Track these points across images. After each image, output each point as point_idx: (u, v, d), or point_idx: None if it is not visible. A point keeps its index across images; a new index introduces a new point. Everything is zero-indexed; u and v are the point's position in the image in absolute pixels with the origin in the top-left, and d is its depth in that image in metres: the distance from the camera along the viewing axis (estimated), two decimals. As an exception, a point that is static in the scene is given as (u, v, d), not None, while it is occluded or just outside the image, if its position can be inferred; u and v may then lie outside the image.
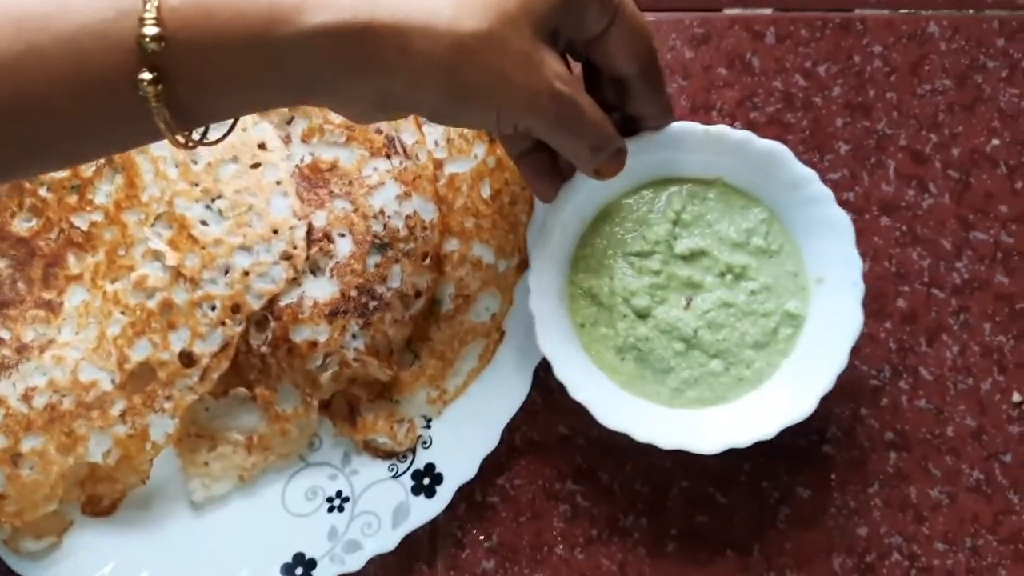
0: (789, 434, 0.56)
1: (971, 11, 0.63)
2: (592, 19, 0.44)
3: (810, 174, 0.52)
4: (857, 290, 0.51)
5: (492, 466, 0.56)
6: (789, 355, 0.53)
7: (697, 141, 0.52)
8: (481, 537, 0.57)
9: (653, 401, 0.53)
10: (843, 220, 0.52)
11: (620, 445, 0.53)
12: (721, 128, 0.52)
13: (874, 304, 0.59)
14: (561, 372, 0.50)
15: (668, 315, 0.52)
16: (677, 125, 0.52)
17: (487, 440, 0.54)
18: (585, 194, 0.53)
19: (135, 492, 0.55)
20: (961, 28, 0.62)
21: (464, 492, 0.55)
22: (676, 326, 0.52)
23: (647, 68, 0.47)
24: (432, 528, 0.55)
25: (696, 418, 0.52)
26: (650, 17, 0.62)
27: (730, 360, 0.52)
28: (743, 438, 0.49)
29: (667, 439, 0.49)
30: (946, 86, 0.62)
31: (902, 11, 0.63)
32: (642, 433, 0.49)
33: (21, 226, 0.56)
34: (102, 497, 0.54)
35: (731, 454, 0.51)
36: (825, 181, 0.60)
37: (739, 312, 0.53)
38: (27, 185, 0.56)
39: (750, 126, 0.61)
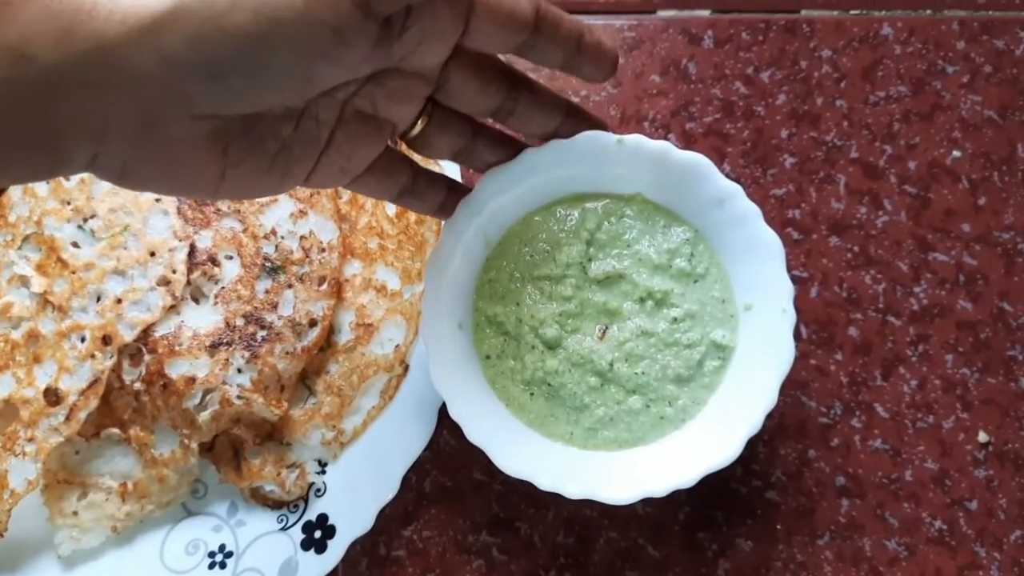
0: (727, 479, 0.50)
1: (928, 12, 0.58)
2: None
3: (734, 188, 0.47)
4: (788, 318, 0.45)
5: (398, 516, 0.50)
6: (716, 390, 0.47)
7: (609, 153, 0.47)
8: (381, 596, 0.51)
9: (565, 443, 0.47)
10: (771, 239, 0.46)
11: (539, 492, 0.47)
12: (636, 138, 0.47)
13: (823, 333, 0.54)
14: (457, 412, 0.44)
15: (581, 346, 0.47)
16: (587, 135, 0.47)
17: (385, 488, 0.49)
18: (490, 213, 0.47)
19: (-5, 545, 0.50)
20: (917, 30, 0.57)
21: (366, 546, 0.50)
22: (590, 359, 0.47)
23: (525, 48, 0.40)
24: (328, 585, 0.49)
25: (612, 462, 0.46)
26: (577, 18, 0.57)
27: (650, 396, 0.47)
28: (660, 486, 0.43)
29: (575, 488, 0.43)
30: (901, 93, 0.57)
31: (853, 12, 0.58)
32: (546, 481, 0.43)
33: None
34: (-45, 551, 0.49)
35: (664, 502, 0.46)
36: (769, 197, 0.55)
37: (660, 343, 0.47)
38: None
39: (686, 137, 0.56)
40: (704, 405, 0.47)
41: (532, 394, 0.47)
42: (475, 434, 0.44)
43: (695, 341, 0.47)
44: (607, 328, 0.48)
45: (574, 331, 0.47)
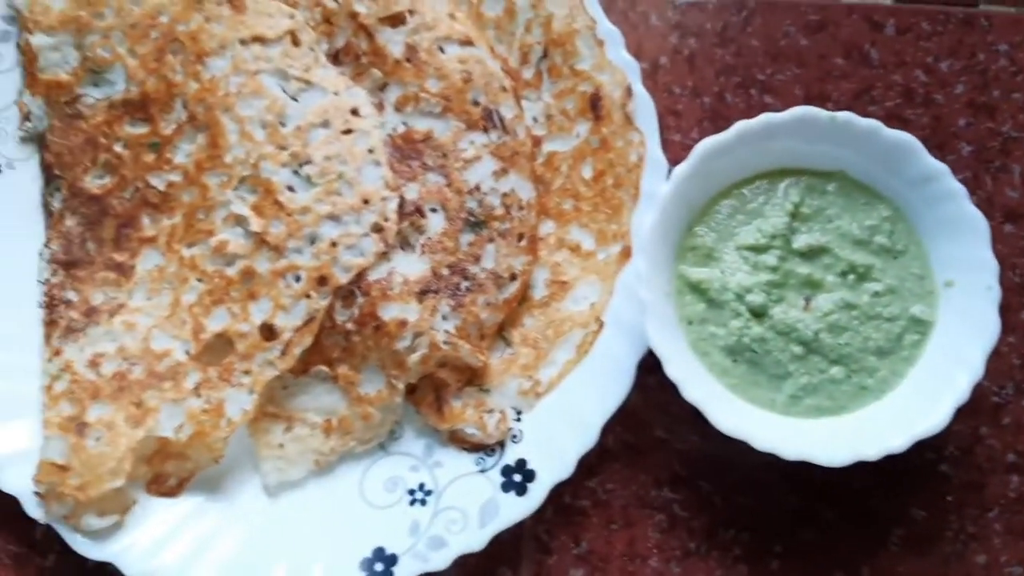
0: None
1: (1105, 11, 0.59)
2: None
3: (942, 168, 0.49)
4: (992, 295, 0.47)
5: (583, 468, 0.52)
6: (915, 363, 0.49)
7: (819, 129, 0.49)
8: (570, 543, 0.53)
9: (766, 408, 0.49)
10: (978, 219, 0.48)
11: (722, 453, 0.49)
12: (848, 115, 0.49)
13: (993, 316, 0.55)
14: (673, 371, 0.46)
15: (787, 315, 0.49)
16: (800, 110, 0.49)
17: (584, 438, 0.51)
18: (696, 180, 0.49)
19: (203, 472, 0.52)
20: (1093, 29, 0.59)
21: (551, 494, 0.52)
22: (795, 327, 0.49)
23: None
24: (517, 530, 0.51)
25: (816, 427, 0.48)
26: None
27: (852, 367, 0.49)
28: (871, 450, 0.45)
29: (790, 448, 0.45)
30: (1075, 88, 0.58)
31: (1031, 8, 0.59)
32: (762, 440, 0.46)
33: (93, 183, 0.53)
34: (170, 476, 0.51)
35: (839, 470, 0.47)
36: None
37: (862, 315, 0.49)
38: (101, 140, 0.53)
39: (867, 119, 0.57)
40: (903, 377, 0.49)
41: (735, 360, 0.49)
42: (691, 393, 0.46)
43: (895, 315, 0.49)
44: (810, 299, 0.49)
45: (779, 300, 0.49)
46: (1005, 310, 0.55)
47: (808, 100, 0.58)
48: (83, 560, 0.49)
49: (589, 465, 0.53)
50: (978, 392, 0.54)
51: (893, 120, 0.58)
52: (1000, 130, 0.58)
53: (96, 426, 0.49)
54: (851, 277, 0.50)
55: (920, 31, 0.59)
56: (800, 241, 0.50)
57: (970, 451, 0.53)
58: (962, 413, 0.53)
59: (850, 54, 0.58)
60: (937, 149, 0.57)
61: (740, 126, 0.48)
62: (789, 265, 0.50)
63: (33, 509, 0.49)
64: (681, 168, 0.48)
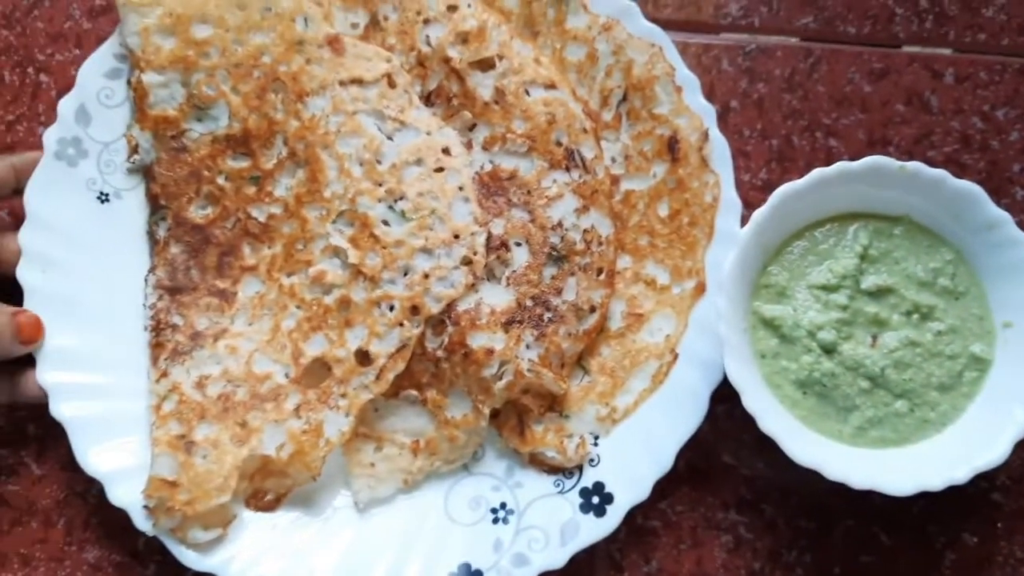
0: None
1: None
2: None
3: (1005, 217, 0.52)
4: (1050, 338, 0.50)
5: (655, 490, 0.55)
6: (974, 399, 0.52)
7: (889, 177, 0.52)
8: (641, 562, 0.56)
9: (834, 439, 0.52)
10: (1037, 266, 0.51)
11: (785, 478, 0.52)
12: (916, 165, 0.52)
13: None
14: (749, 403, 0.49)
15: (855, 352, 0.52)
16: (872, 159, 0.52)
17: (659, 463, 0.54)
18: (772, 223, 0.52)
19: (299, 489, 0.55)
20: None
21: (626, 515, 0.55)
22: (863, 363, 0.52)
23: None
24: (591, 549, 0.54)
25: (881, 458, 0.51)
26: (830, 47, 0.62)
27: (915, 401, 0.52)
28: (935, 481, 0.49)
29: (859, 479, 0.48)
30: (1125, 136, 0.61)
31: (1083, 58, 0.62)
32: (834, 471, 0.49)
33: (197, 213, 0.56)
34: (268, 491, 0.54)
35: (897, 498, 0.50)
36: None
37: (925, 352, 0.52)
38: (205, 173, 0.56)
39: (927, 164, 0.60)
40: (963, 412, 0.52)
41: (805, 393, 0.52)
42: (767, 425, 0.49)
43: (956, 353, 0.52)
44: (877, 336, 0.52)
45: (848, 337, 0.52)
46: (1056, 348, 0.58)
47: (871, 144, 0.61)
48: (182, 570, 0.53)
49: (660, 488, 0.56)
50: (1030, 425, 0.57)
51: (951, 165, 0.61)
52: (1052, 175, 0.61)
53: (203, 444, 0.53)
54: (915, 316, 0.53)
55: (978, 80, 0.62)
56: (868, 282, 0.53)
57: (1021, 480, 0.56)
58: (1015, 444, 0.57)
59: (911, 101, 0.61)
60: (993, 193, 0.60)
61: (816, 173, 0.52)
62: (857, 304, 0.53)
63: (141, 522, 0.52)
64: (760, 212, 0.51)
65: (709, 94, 0.60)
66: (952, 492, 0.56)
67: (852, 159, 0.59)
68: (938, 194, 0.52)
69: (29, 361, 0.54)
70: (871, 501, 0.56)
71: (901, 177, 0.52)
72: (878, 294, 0.53)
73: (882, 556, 0.56)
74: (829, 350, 0.52)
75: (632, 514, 0.55)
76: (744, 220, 0.54)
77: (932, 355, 0.52)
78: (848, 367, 0.52)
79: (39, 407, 0.54)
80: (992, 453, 0.49)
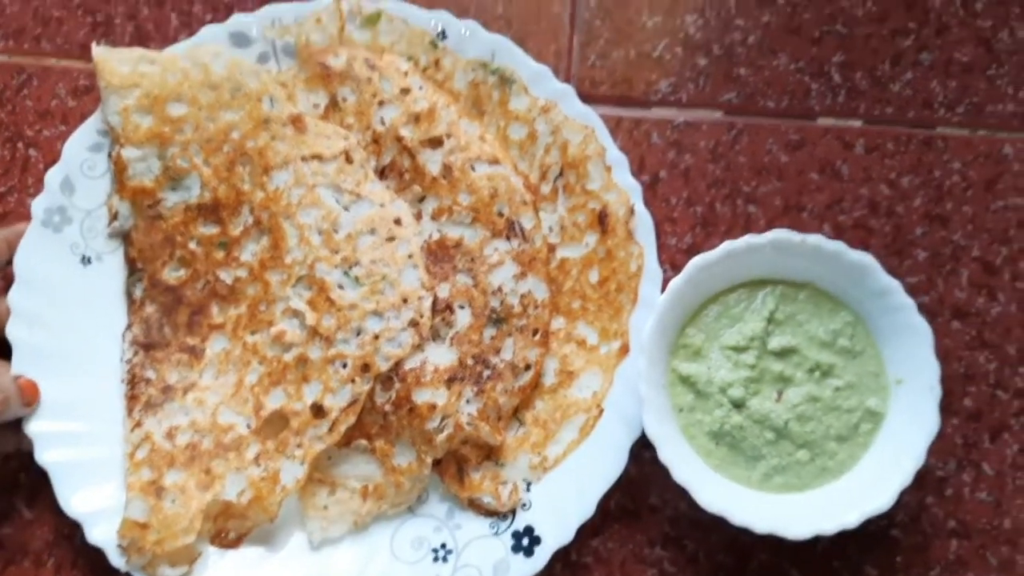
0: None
1: (1045, 136, 0.68)
2: None
3: (895, 285, 0.57)
4: (935, 394, 0.56)
5: (587, 528, 0.61)
6: (869, 449, 0.58)
7: (793, 249, 0.58)
8: (573, 596, 0.62)
9: (743, 484, 0.57)
10: (924, 328, 0.57)
11: (705, 517, 0.57)
12: (816, 238, 0.58)
13: (943, 401, 0.64)
14: (664, 455, 0.55)
15: (762, 406, 0.57)
16: (775, 233, 0.57)
17: (584, 509, 0.59)
18: (688, 289, 0.58)
19: (259, 528, 0.60)
20: (1035, 151, 0.68)
21: (559, 551, 0.60)
22: (769, 417, 0.57)
23: None
24: (529, 584, 0.60)
25: (783, 502, 0.57)
26: (751, 120, 0.68)
27: (816, 451, 0.57)
28: (828, 526, 0.54)
29: (761, 524, 0.54)
30: (1018, 204, 0.67)
31: (980, 132, 0.68)
32: (739, 518, 0.54)
33: (171, 275, 0.62)
34: (230, 531, 0.60)
35: None
36: (903, 284, 0.65)
37: (825, 407, 0.58)
38: (178, 238, 0.62)
39: (837, 228, 0.66)
40: (858, 461, 0.57)
41: (717, 443, 0.58)
42: (680, 475, 0.55)
43: (853, 407, 0.58)
44: (782, 392, 0.58)
45: (755, 393, 0.58)
46: (950, 395, 0.64)
47: (786, 210, 0.67)
48: (155, 602, 0.58)
49: (593, 527, 0.61)
50: (925, 467, 0.63)
51: (860, 228, 0.67)
52: (951, 238, 0.66)
53: (172, 490, 0.58)
54: (817, 374, 0.58)
55: (885, 150, 0.68)
56: (774, 343, 0.59)
57: (917, 518, 0.62)
58: (911, 485, 0.62)
59: (824, 170, 0.67)
60: (896, 255, 0.67)
61: (726, 246, 0.57)
62: (765, 363, 0.58)
63: (116, 559, 0.58)
64: (675, 281, 0.57)
65: (640, 165, 0.66)
66: (856, 529, 0.62)
67: (769, 224, 0.66)
68: (837, 264, 0.58)
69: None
70: (782, 540, 0.61)
71: (803, 249, 0.58)
72: (783, 354, 0.58)
73: (791, 590, 0.61)
74: (739, 405, 0.58)
75: (567, 550, 0.61)
76: (666, 285, 0.59)
77: (831, 409, 0.58)
78: (756, 420, 0.58)
79: (29, 457, 0.59)
80: (880, 500, 0.55)
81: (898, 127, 0.68)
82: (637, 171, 0.66)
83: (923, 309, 0.65)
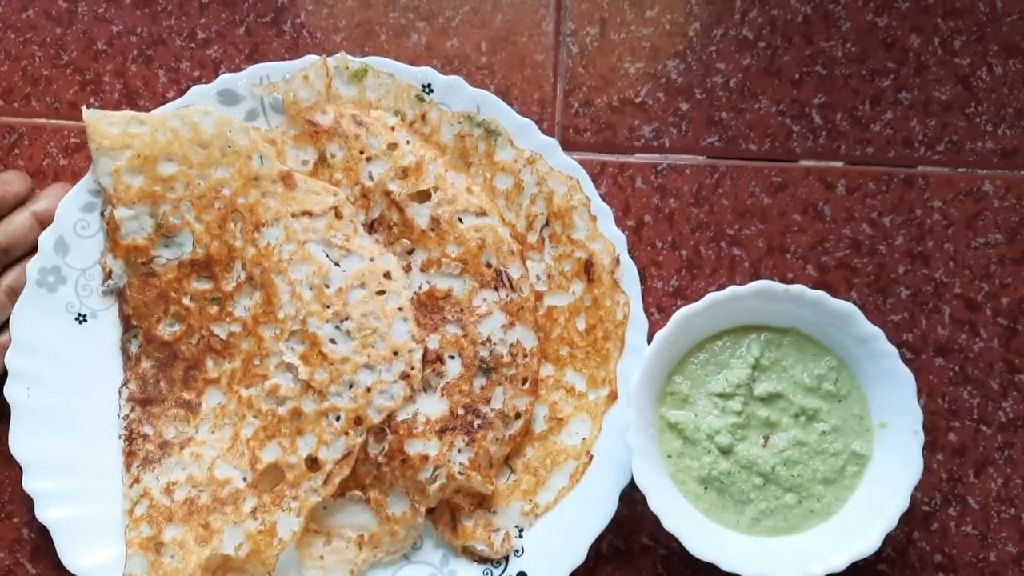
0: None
1: (1023, 172, 0.69)
2: None
3: (877, 332, 0.58)
4: (918, 438, 0.57)
5: (580, 571, 0.62)
6: (855, 491, 0.59)
7: (776, 297, 0.59)
8: (568, 639, 0.63)
9: (731, 528, 0.58)
10: (906, 375, 0.58)
11: (696, 556, 0.58)
12: (799, 288, 0.59)
13: (928, 437, 0.65)
14: (655, 504, 0.56)
15: (749, 452, 0.59)
16: (759, 284, 0.58)
17: (576, 554, 0.60)
18: (674, 338, 0.59)
19: (257, 580, 0.61)
20: (1013, 187, 0.69)
21: (552, 595, 0.61)
22: (756, 462, 0.58)
23: None
24: (522, 627, 0.61)
25: (771, 546, 0.58)
26: (733, 163, 0.69)
27: (803, 494, 0.58)
28: (816, 569, 0.55)
29: (751, 569, 0.55)
30: (998, 240, 0.68)
31: (960, 170, 0.69)
32: (729, 564, 0.55)
33: (165, 331, 0.63)
34: (230, 584, 0.61)
35: None
36: (887, 322, 0.67)
37: (811, 451, 0.59)
38: (172, 294, 0.63)
39: (821, 268, 0.67)
40: (845, 503, 0.59)
41: (706, 488, 0.59)
42: (670, 523, 0.56)
43: (839, 450, 0.59)
44: (769, 437, 0.59)
45: (742, 439, 0.59)
46: (935, 431, 0.66)
47: (770, 252, 0.68)
48: (156, 654, 0.59)
49: (586, 570, 0.62)
50: (911, 502, 0.64)
51: (843, 268, 0.68)
52: (934, 276, 0.68)
53: (171, 545, 0.59)
54: (802, 418, 0.59)
55: (867, 190, 0.69)
56: (760, 388, 0.60)
57: (904, 552, 0.63)
58: (899, 520, 0.64)
59: (807, 211, 0.68)
60: (879, 293, 0.68)
61: (710, 297, 0.58)
62: (751, 409, 0.59)
63: (117, 614, 0.59)
64: (662, 332, 0.58)
65: (625, 209, 0.67)
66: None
67: (753, 266, 0.67)
68: (820, 311, 0.59)
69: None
70: None
71: (786, 298, 0.59)
72: (769, 399, 0.60)
73: (782, 629, 0.62)
74: (726, 451, 0.59)
75: (561, 593, 0.62)
76: (654, 331, 0.60)
77: (817, 453, 0.59)
78: (743, 465, 0.59)
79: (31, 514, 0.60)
80: (866, 543, 0.56)
81: (879, 167, 0.69)
82: (622, 216, 0.67)
83: (906, 346, 0.67)
